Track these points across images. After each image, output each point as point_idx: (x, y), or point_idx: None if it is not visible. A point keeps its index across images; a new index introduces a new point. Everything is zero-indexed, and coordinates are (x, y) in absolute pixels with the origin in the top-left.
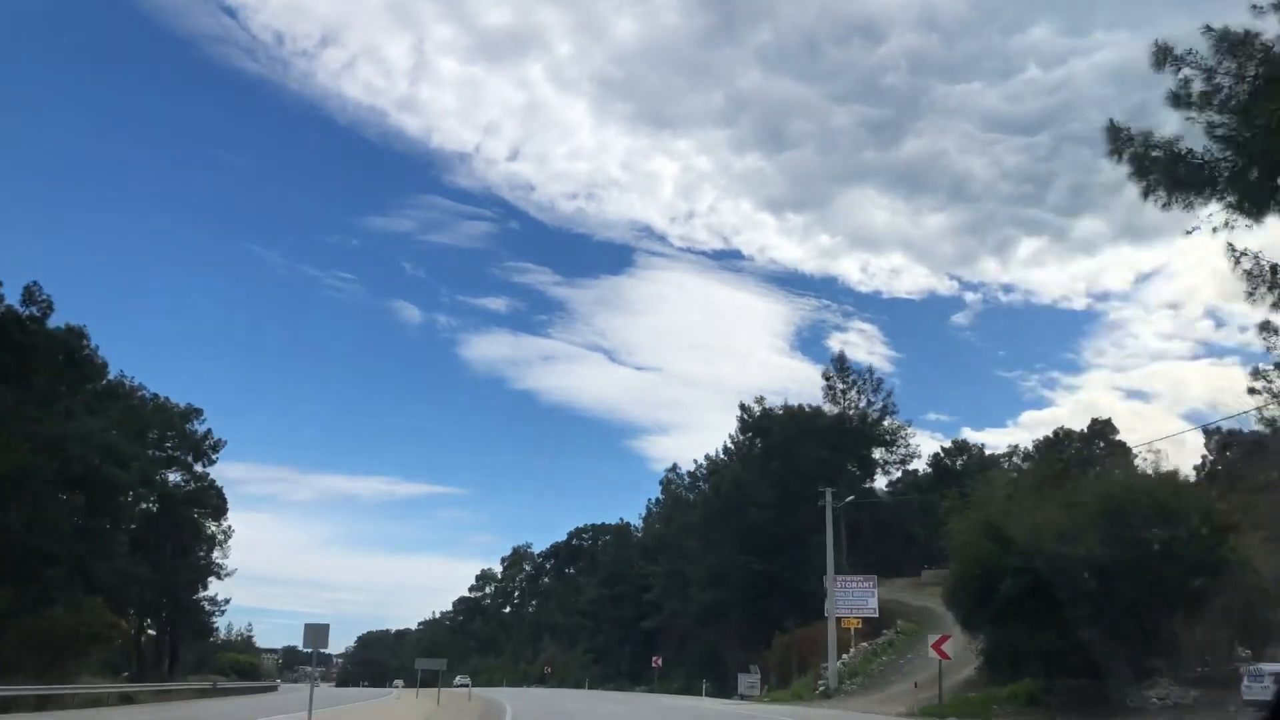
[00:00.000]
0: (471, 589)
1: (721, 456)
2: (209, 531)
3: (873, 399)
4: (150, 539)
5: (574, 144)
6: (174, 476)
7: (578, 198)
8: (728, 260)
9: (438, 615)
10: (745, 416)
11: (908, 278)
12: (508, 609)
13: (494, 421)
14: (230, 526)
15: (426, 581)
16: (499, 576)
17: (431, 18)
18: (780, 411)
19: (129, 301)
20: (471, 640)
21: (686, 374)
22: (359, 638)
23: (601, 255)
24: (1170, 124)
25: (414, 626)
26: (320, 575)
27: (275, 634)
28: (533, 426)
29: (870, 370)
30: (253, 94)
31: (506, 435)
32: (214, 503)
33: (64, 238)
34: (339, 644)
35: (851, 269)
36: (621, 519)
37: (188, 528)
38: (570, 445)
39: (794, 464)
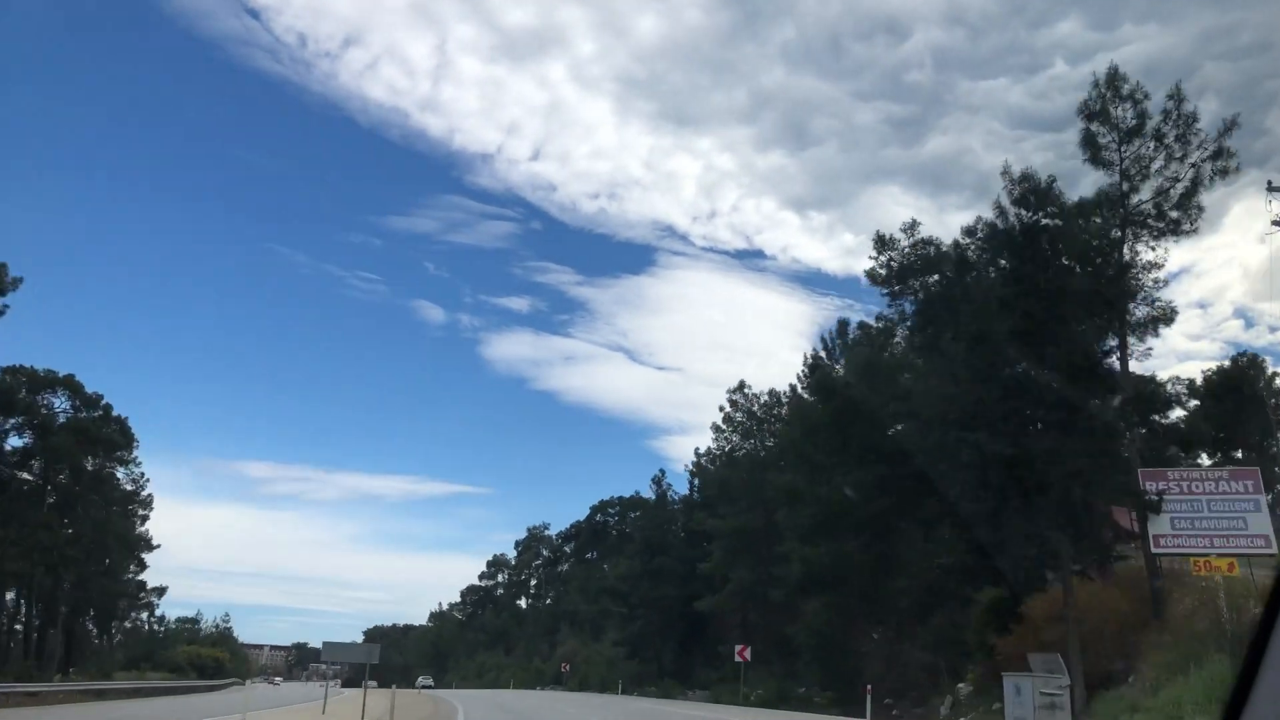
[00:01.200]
0: (482, 576)
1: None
2: (118, 486)
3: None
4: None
5: (596, 143)
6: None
7: (599, 197)
8: (750, 260)
9: (445, 607)
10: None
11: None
12: (522, 600)
13: (516, 421)
14: (150, 495)
15: (449, 580)
16: (512, 562)
17: (453, 17)
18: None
19: (152, 301)
20: (480, 634)
21: (708, 374)
22: (365, 632)
23: (623, 255)
24: None
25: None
26: (344, 573)
27: (294, 631)
28: (554, 426)
29: None
30: (276, 95)
31: (528, 435)
32: (112, 438)
33: (89, 239)
34: (349, 640)
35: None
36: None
37: (81, 477)
38: (591, 445)
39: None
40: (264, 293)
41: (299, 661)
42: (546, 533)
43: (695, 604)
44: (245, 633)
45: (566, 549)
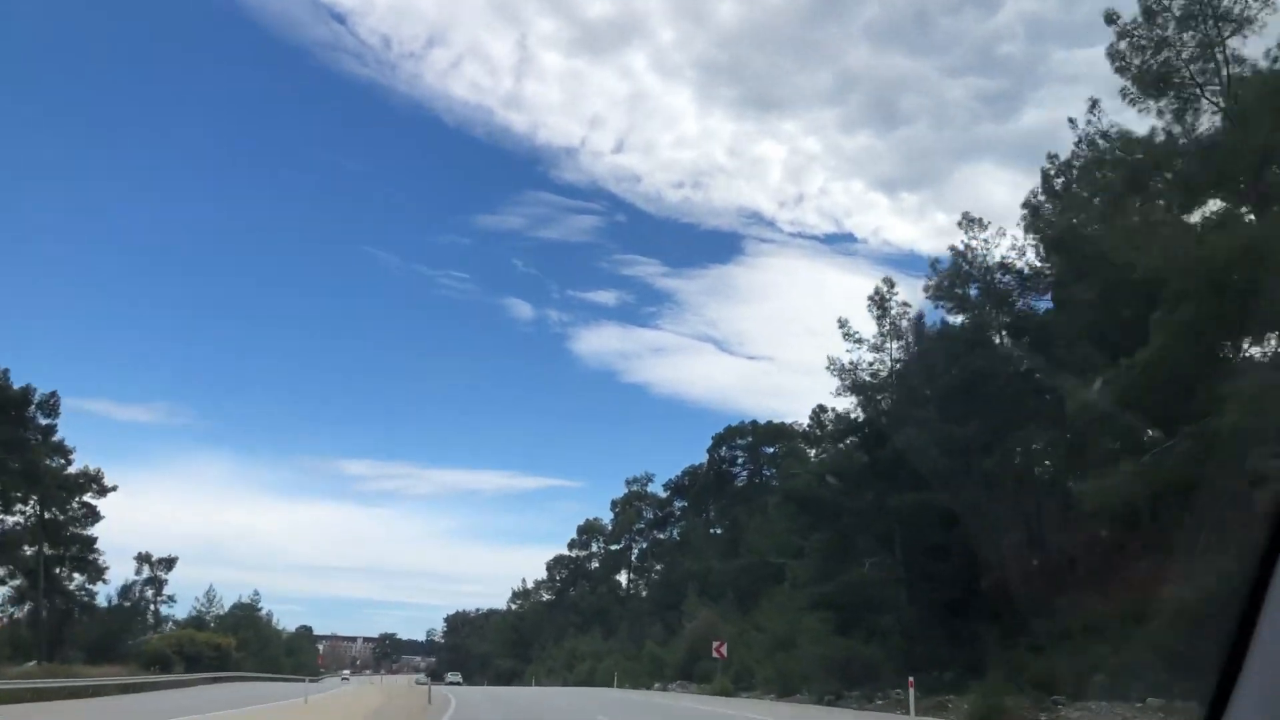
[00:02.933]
0: (572, 544)
1: None
2: None
3: None
4: None
5: (679, 132)
6: None
7: (684, 186)
8: (839, 244)
9: (530, 585)
10: None
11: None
12: (621, 574)
13: (606, 414)
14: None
15: (542, 572)
16: (607, 527)
17: (534, 12)
18: None
19: (251, 305)
20: (571, 614)
21: (800, 361)
22: (446, 619)
23: (709, 244)
24: None
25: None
26: (440, 567)
27: (393, 624)
28: (645, 418)
29: None
30: (364, 99)
31: (619, 428)
32: None
33: (190, 251)
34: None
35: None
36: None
37: None
38: (683, 436)
39: None
40: (357, 295)
41: (387, 654)
42: (649, 488)
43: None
44: (341, 626)
45: (676, 505)
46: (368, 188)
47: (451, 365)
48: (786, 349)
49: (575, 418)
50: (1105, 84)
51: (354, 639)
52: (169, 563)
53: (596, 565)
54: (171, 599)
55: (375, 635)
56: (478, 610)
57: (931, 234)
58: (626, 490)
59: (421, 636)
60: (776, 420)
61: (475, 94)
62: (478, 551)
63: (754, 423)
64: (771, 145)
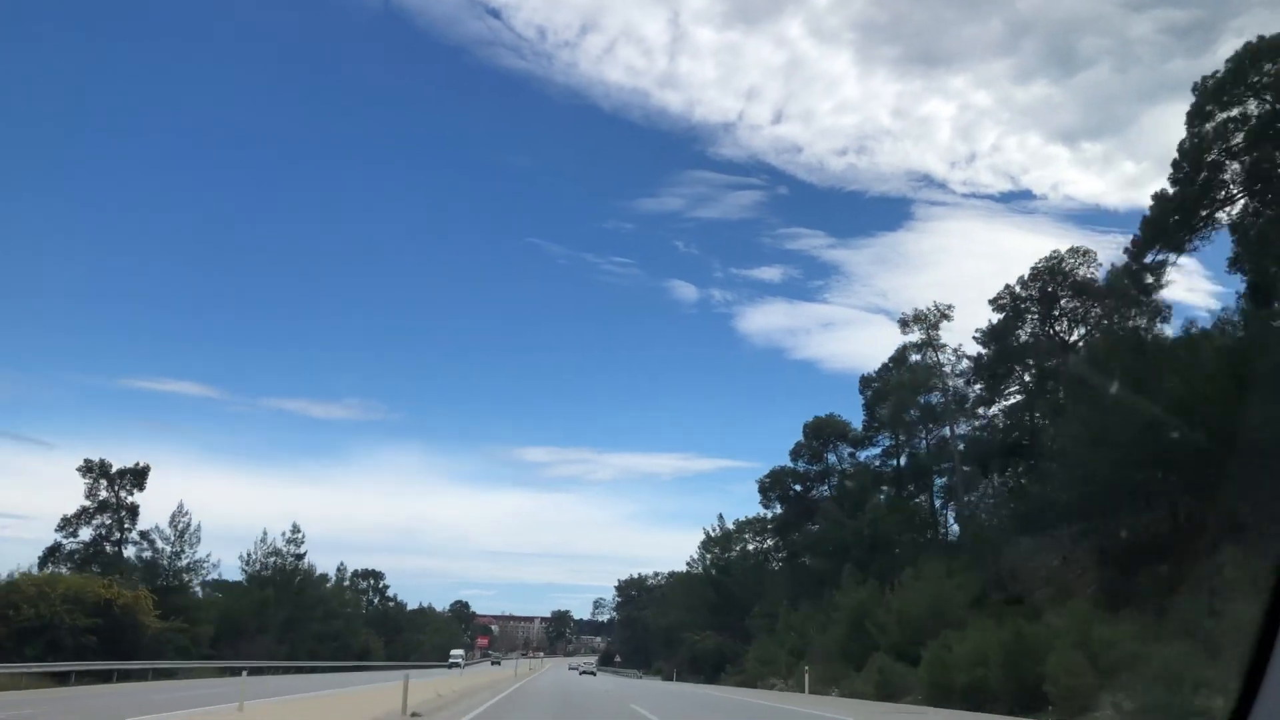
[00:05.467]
0: (766, 484)
1: None
2: None
3: None
4: None
5: (840, 97)
6: None
7: (847, 153)
8: (1017, 202)
9: (729, 526)
10: None
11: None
12: (816, 526)
13: (777, 392)
14: None
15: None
16: (798, 469)
17: None
18: None
19: (431, 302)
20: (764, 578)
21: (979, 325)
22: (618, 586)
23: (876, 211)
24: None
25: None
26: (620, 549)
27: (578, 607)
28: (818, 395)
29: None
30: (523, 92)
31: (791, 405)
32: None
33: (367, 253)
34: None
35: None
36: None
37: None
38: (856, 410)
39: None
40: (527, 286)
41: (561, 634)
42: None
43: None
44: (519, 607)
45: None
46: (530, 179)
47: (620, 350)
48: (965, 315)
49: (746, 397)
50: None
51: (531, 620)
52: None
53: (785, 516)
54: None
55: (548, 615)
56: (656, 576)
57: (1120, 185)
58: (815, 423)
59: (603, 618)
60: None
61: (630, 77)
62: (657, 534)
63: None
64: (939, 103)
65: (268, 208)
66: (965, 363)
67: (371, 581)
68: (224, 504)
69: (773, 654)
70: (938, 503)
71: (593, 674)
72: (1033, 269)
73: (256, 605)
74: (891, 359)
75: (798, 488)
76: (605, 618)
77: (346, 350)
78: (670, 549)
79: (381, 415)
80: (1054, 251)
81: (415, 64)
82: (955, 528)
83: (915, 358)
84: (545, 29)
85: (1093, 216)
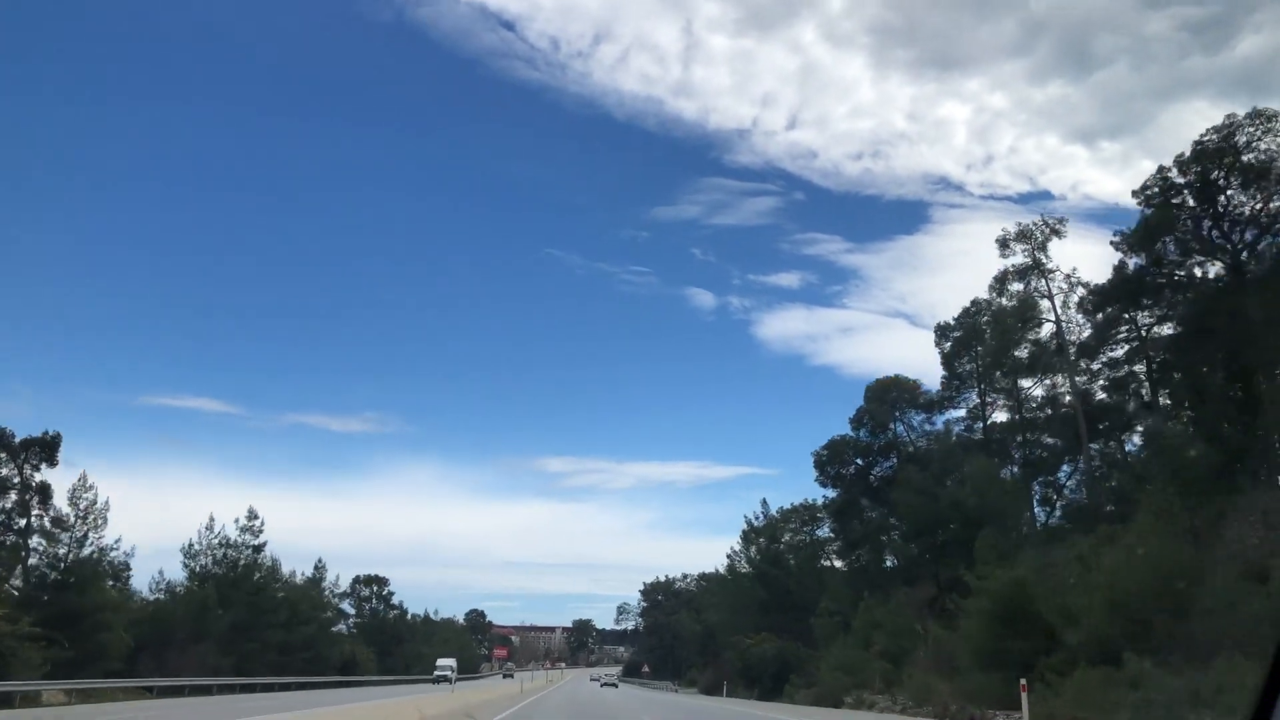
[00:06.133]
0: (823, 458)
1: None
2: None
3: None
4: None
5: (854, 102)
6: None
7: (863, 157)
8: (1035, 203)
9: (741, 548)
10: None
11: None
12: (856, 521)
13: (796, 399)
14: None
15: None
16: (860, 440)
17: None
18: None
19: (447, 316)
20: (823, 571)
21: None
22: (643, 590)
23: (893, 215)
24: None
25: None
26: (644, 560)
27: (599, 617)
28: (837, 401)
29: None
30: (536, 102)
31: (810, 412)
32: None
33: (381, 268)
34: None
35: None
36: None
37: None
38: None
39: None
40: (544, 297)
41: (583, 644)
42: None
43: None
44: (540, 619)
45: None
46: (545, 190)
47: (638, 359)
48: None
49: (765, 404)
50: None
51: (551, 630)
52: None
53: (839, 505)
54: None
55: (569, 625)
56: (685, 578)
57: (1139, 183)
58: (871, 394)
59: (628, 625)
60: None
61: (644, 86)
62: (677, 542)
63: None
64: (954, 105)
65: (283, 223)
66: (1080, 292)
67: (375, 588)
68: (243, 519)
69: (857, 661)
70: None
71: (614, 685)
72: (1196, 145)
73: (196, 608)
74: (974, 304)
75: (859, 462)
76: (630, 625)
77: (363, 364)
78: (691, 556)
79: (399, 428)
80: (1228, 118)
81: (429, 77)
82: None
83: (1015, 287)
84: (558, 39)
85: (1113, 215)
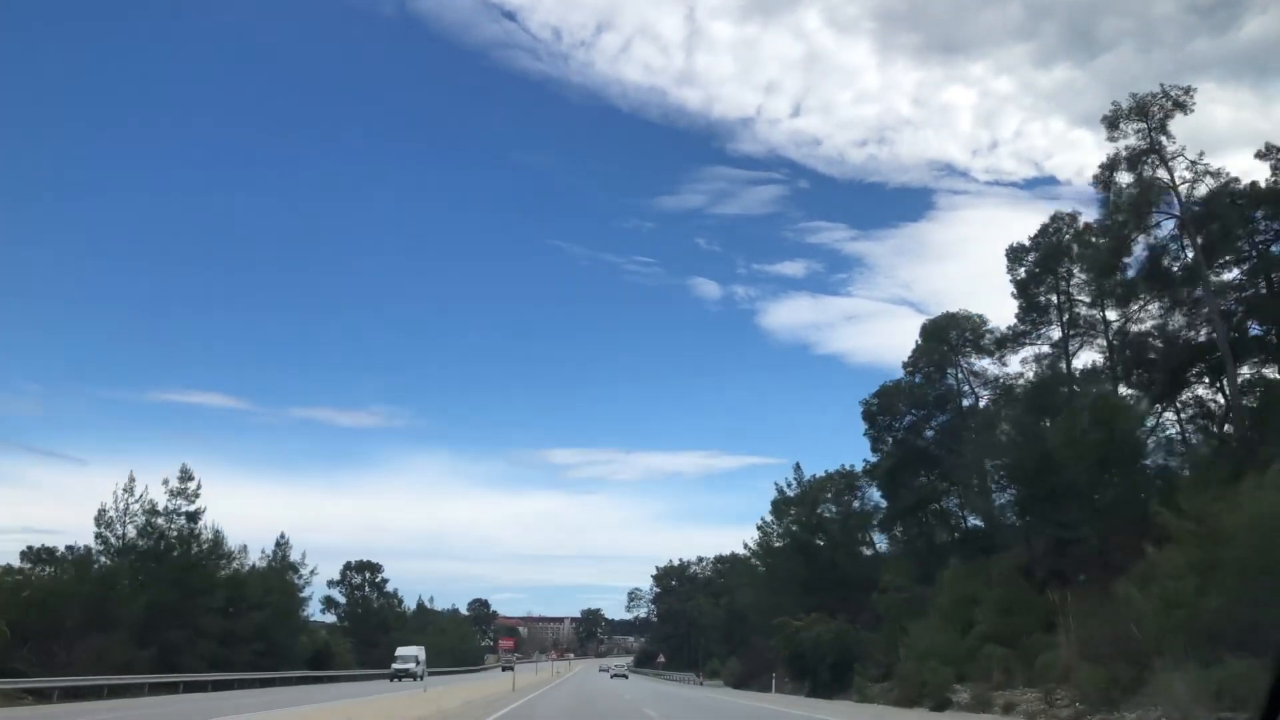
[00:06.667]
0: (873, 409)
1: None
2: None
3: None
4: None
5: (858, 88)
6: None
7: (867, 144)
8: (1041, 188)
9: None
10: None
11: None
12: (914, 481)
13: (803, 388)
14: None
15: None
16: (915, 386)
17: None
18: None
19: (454, 307)
20: (852, 549)
21: (1006, 314)
22: (655, 575)
23: (898, 202)
24: None
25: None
26: (652, 550)
27: (608, 607)
28: (843, 390)
29: None
30: (540, 93)
31: (816, 401)
32: None
33: (387, 261)
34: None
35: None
36: None
37: None
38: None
39: None
40: (549, 289)
41: (591, 634)
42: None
43: None
44: (549, 610)
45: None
46: (549, 181)
47: (643, 349)
48: (991, 304)
49: (771, 394)
50: None
51: (560, 620)
52: None
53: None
54: None
55: (578, 615)
56: (700, 561)
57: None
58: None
59: (641, 611)
60: None
61: (647, 75)
62: (685, 532)
63: None
64: (959, 90)
65: (286, 219)
66: (1208, 182)
67: (367, 575)
68: (252, 514)
69: (951, 646)
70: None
71: (624, 676)
72: None
73: (100, 586)
74: (1055, 219)
75: (914, 414)
76: (643, 611)
77: (371, 358)
78: (700, 548)
79: (407, 422)
80: None
81: (432, 70)
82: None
83: (1124, 180)
84: (560, 29)
85: None
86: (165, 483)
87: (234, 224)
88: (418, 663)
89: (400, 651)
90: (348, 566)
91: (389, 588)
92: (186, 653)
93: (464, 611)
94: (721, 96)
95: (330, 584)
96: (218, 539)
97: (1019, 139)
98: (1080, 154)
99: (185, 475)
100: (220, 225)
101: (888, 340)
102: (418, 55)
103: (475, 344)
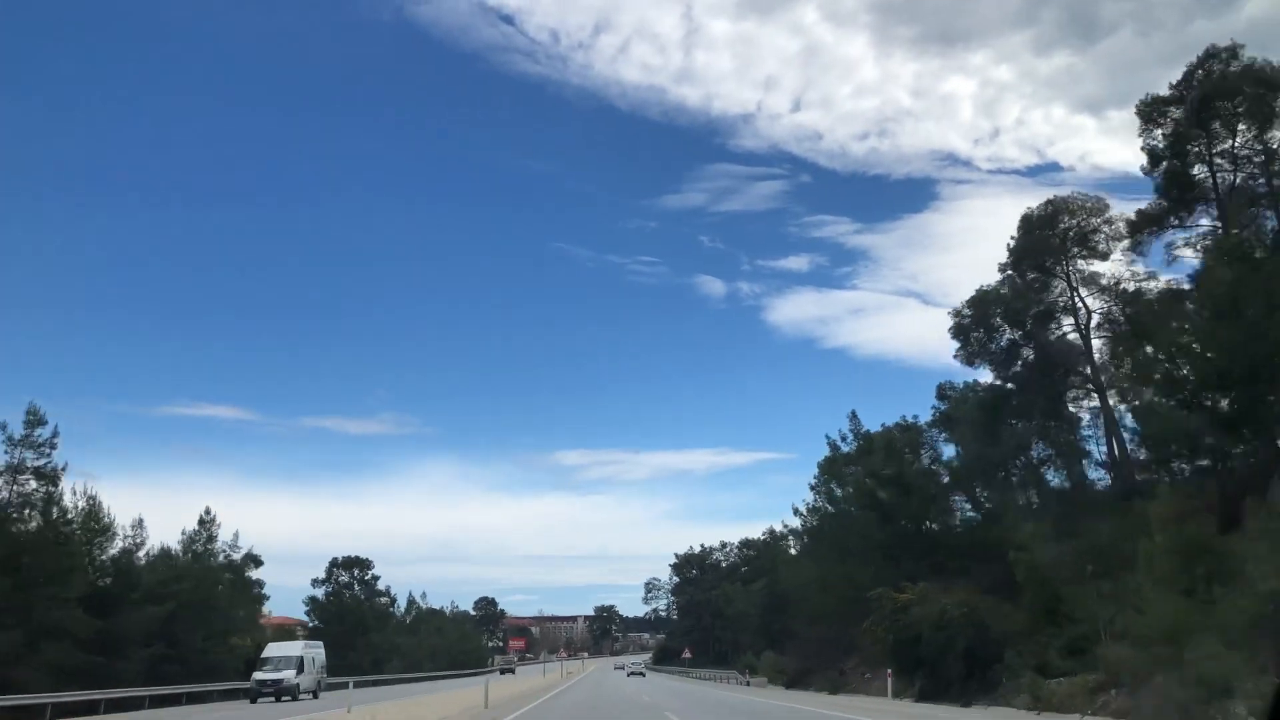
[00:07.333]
0: (965, 323)
1: None
2: None
3: None
4: None
5: (858, 81)
6: None
7: (869, 137)
8: (1044, 175)
9: (822, 479)
10: None
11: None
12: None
13: (810, 382)
14: None
15: None
16: (1015, 293)
17: None
18: None
19: (458, 313)
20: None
21: None
22: (673, 564)
23: (901, 193)
24: None
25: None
26: (664, 548)
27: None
28: (851, 383)
29: None
30: (539, 96)
31: (824, 395)
32: None
33: (392, 266)
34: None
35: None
36: None
37: None
38: (893, 397)
39: None
40: (554, 291)
41: (606, 632)
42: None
43: None
44: (559, 608)
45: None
46: (552, 184)
47: (650, 348)
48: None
49: (779, 390)
50: None
51: (573, 619)
52: None
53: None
54: None
55: (591, 613)
56: (724, 547)
57: (1148, 151)
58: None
59: (660, 603)
60: None
61: (646, 75)
62: (696, 531)
63: None
64: (959, 80)
65: (288, 226)
66: None
67: (356, 572)
68: (263, 525)
69: (1238, 618)
70: None
71: (641, 674)
72: None
73: None
74: (1211, 51)
75: (1012, 335)
76: (662, 604)
77: (377, 365)
78: (712, 543)
79: (415, 428)
80: None
81: (431, 75)
82: None
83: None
84: (558, 32)
85: (1124, 185)
86: (3, 426)
87: (238, 233)
88: (300, 669)
89: (271, 651)
90: (334, 563)
91: (381, 585)
92: (19, 662)
93: (471, 611)
94: (721, 94)
95: (315, 583)
96: (93, 510)
97: (1020, 127)
98: (1082, 140)
99: (34, 416)
100: (224, 235)
101: (894, 332)
102: (417, 60)
103: (481, 349)
